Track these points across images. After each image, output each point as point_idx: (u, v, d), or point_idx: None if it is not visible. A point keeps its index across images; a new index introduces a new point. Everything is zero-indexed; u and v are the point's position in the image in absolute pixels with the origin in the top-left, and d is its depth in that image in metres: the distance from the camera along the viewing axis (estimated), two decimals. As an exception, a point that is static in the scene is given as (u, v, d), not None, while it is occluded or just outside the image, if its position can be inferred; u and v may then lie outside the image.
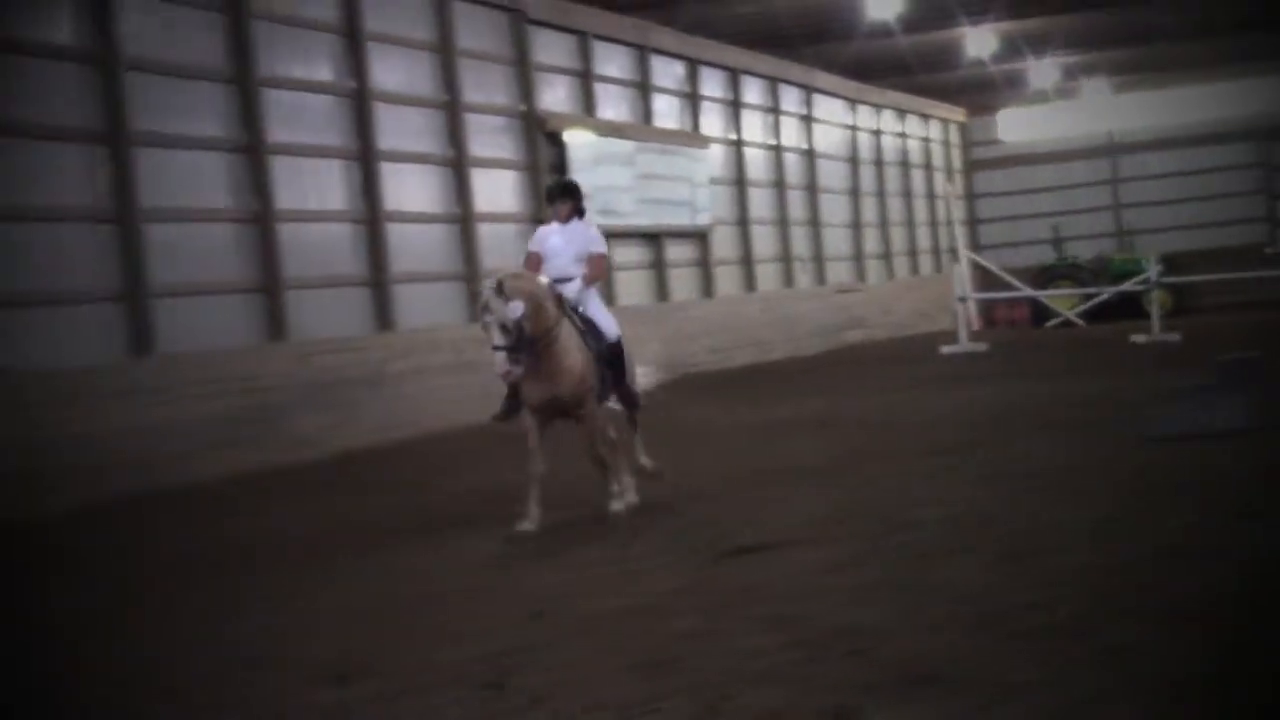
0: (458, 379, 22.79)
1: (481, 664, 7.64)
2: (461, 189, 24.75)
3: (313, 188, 21.35)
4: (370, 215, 22.47)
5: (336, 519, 13.87)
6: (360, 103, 22.44)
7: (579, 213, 12.43)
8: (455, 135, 24.72)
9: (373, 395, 20.98)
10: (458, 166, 24.73)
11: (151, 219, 18.39)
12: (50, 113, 17.41)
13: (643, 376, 13.63)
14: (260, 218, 20.18)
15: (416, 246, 23.58)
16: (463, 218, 24.74)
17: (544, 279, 11.91)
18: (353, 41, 22.41)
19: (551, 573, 10.28)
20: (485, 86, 25.80)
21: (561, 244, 12.23)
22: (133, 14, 18.45)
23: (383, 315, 22.51)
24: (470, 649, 8.02)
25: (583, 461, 12.35)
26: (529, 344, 11.14)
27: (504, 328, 10.92)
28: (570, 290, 11.99)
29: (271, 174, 20.35)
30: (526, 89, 26.85)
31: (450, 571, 10.73)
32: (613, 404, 12.58)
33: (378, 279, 22.50)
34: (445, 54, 24.68)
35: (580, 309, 12.06)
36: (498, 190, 25.92)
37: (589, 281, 12.24)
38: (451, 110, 24.70)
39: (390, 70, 23.34)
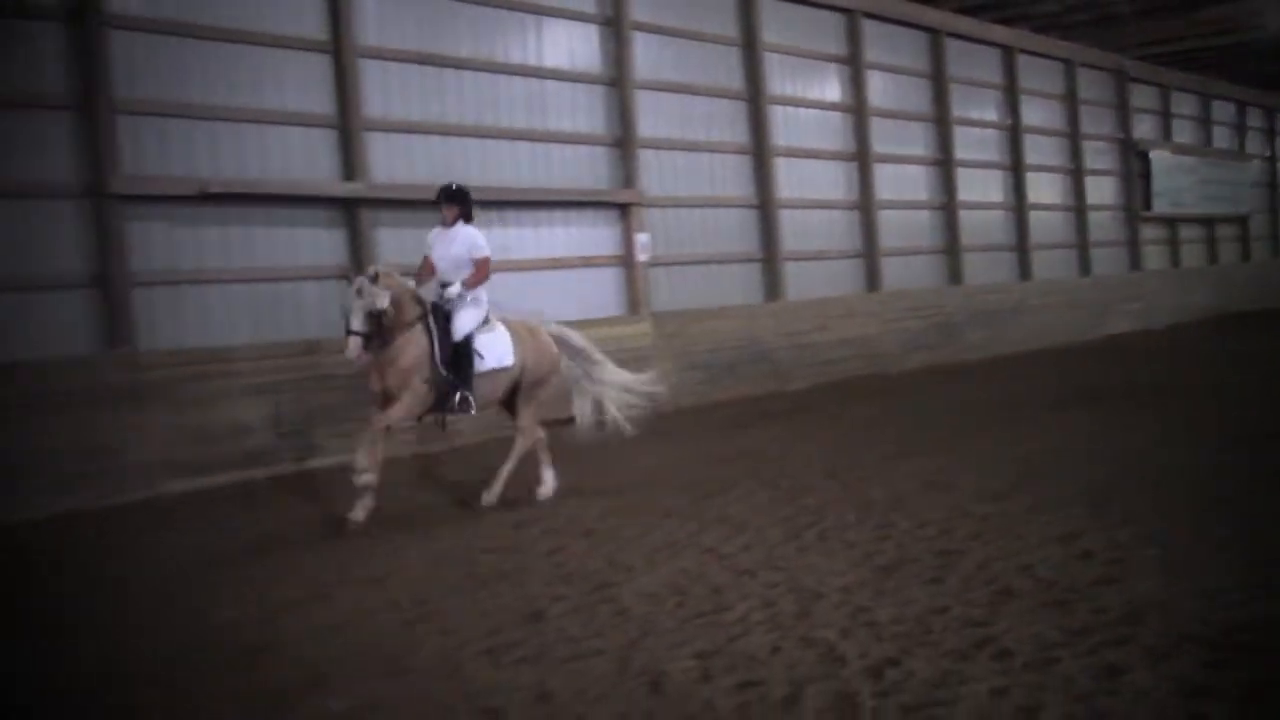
0: (1070, 313, 20.36)
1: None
2: (1077, 189, 21.75)
3: (979, 187, 19.27)
4: (1018, 206, 20.06)
5: (982, 398, 12.11)
6: (1015, 135, 20.04)
7: (465, 218, 7.65)
8: (1075, 154, 21.70)
9: (1015, 320, 18.76)
10: (1076, 174, 21.77)
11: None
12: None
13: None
14: (946, 206, 18.45)
15: (1048, 226, 20.82)
16: (1078, 209, 21.77)
17: (410, 282, 7.52)
18: (1010, 94, 20.00)
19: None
20: (1096, 122, 22.47)
21: (444, 249, 7.61)
22: (871, 81, 17.41)
23: (1024, 269, 20.04)
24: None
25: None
26: (382, 336, 7.13)
27: (369, 314, 6.98)
28: (451, 292, 7.45)
29: (956, 181, 18.52)
30: (1125, 124, 23.30)
31: (1060, 436, 8.88)
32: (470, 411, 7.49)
33: (1021, 246, 20.06)
34: (1070, 102, 21.68)
35: (447, 309, 7.49)
36: (1102, 190, 22.59)
37: (471, 285, 7.50)
38: (1073, 138, 21.67)
39: (1034, 112, 20.61)
